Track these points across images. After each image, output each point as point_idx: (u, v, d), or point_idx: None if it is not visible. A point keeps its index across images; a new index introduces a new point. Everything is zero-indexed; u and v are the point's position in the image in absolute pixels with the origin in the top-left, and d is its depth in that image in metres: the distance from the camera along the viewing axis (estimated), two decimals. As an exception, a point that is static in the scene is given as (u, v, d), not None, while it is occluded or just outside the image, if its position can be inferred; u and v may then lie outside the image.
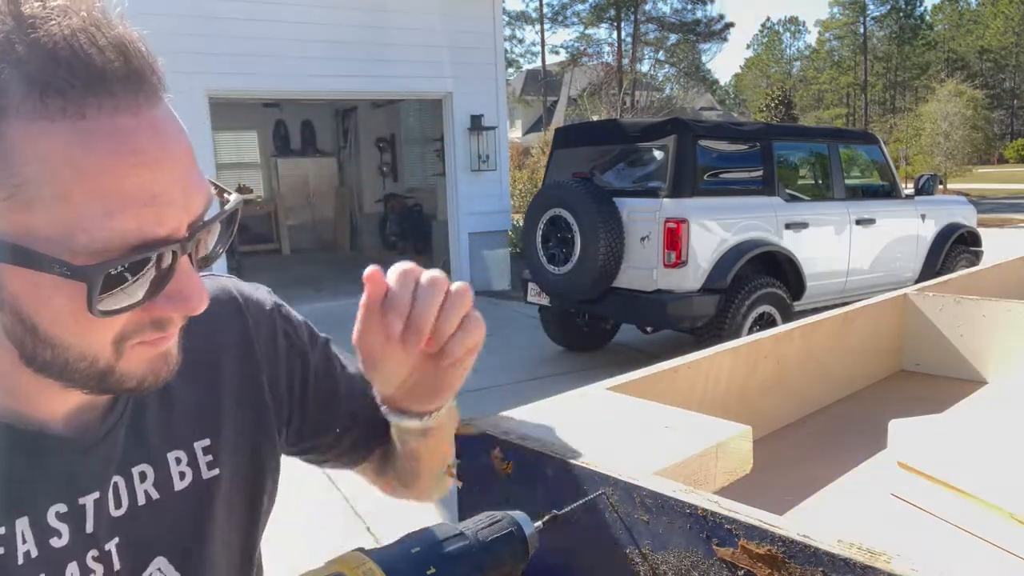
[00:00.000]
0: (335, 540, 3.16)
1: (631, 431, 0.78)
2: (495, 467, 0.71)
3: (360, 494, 3.54)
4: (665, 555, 0.57)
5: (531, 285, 5.86)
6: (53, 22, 0.46)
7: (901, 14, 58.03)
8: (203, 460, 0.69)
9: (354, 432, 0.82)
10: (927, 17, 61.75)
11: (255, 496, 0.74)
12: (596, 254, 5.15)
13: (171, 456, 0.67)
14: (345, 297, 8.95)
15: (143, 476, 0.65)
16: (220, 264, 7.65)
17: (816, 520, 0.99)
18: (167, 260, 0.51)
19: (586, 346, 6.29)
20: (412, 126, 12.74)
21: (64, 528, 0.59)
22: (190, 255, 0.53)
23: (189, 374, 0.68)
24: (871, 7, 58.33)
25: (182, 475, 0.67)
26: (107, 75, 0.47)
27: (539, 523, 0.56)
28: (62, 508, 0.59)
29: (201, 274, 0.63)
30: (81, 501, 0.60)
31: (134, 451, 0.64)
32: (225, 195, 0.58)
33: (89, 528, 0.60)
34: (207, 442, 0.69)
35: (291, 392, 0.78)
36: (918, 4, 58.75)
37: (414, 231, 12.09)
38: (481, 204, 9.04)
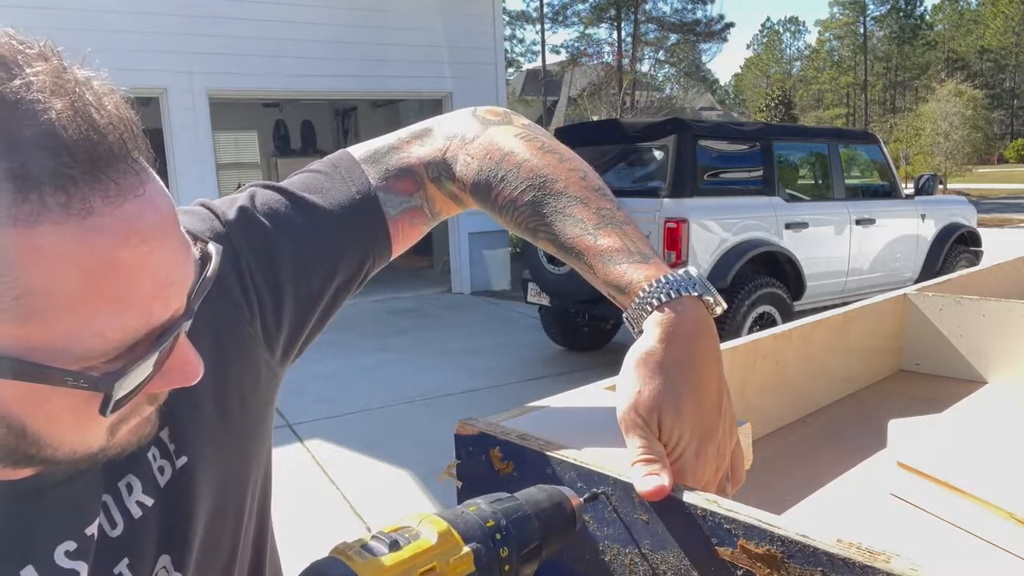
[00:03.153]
0: (335, 539, 3.16)
1: (631, 431, 0.78)
2: (495, 467, 0.71)
3: (361, 495, 3.54)
4: (665, 555, 0.57)
5: (531, 285, 5.86)
6: (40, 107, 0.40)
7: (901, 14, 58.05)
8: (171, 447, 0.63)
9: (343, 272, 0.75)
10: (927, 17, 61.79)
11: (242, 469, 0.69)
12: (596, 254, 5.14)
13: (148, 455, 0.61)
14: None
15: (130, 488, 0.60)
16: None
17: (815, 520, 0.99)
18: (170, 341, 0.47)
19: (586, 346, 6.29)
20: (412, 126, 12.75)
21: (80, 565, 0.55)
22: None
23: None
24: (871, 7, 58.38)
25: (161, 470, 0.62)
26: (110, 159, 0.42)
27: (583, 498, 0.58)
28: (71, 545, 0.55)
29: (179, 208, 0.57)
30: (88, 532, 0.56)
31: (112, 463, 0.57)
32: (200, 245, 0.52)
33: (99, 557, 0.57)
34: (167, 431, 0.63)
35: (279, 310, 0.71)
36: (918, 4, 58.77)
37: (414, 231, 12.09)
38: (481, 204, 9.03)
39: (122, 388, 0.46)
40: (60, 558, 0.54)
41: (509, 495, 0.54)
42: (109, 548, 0.58)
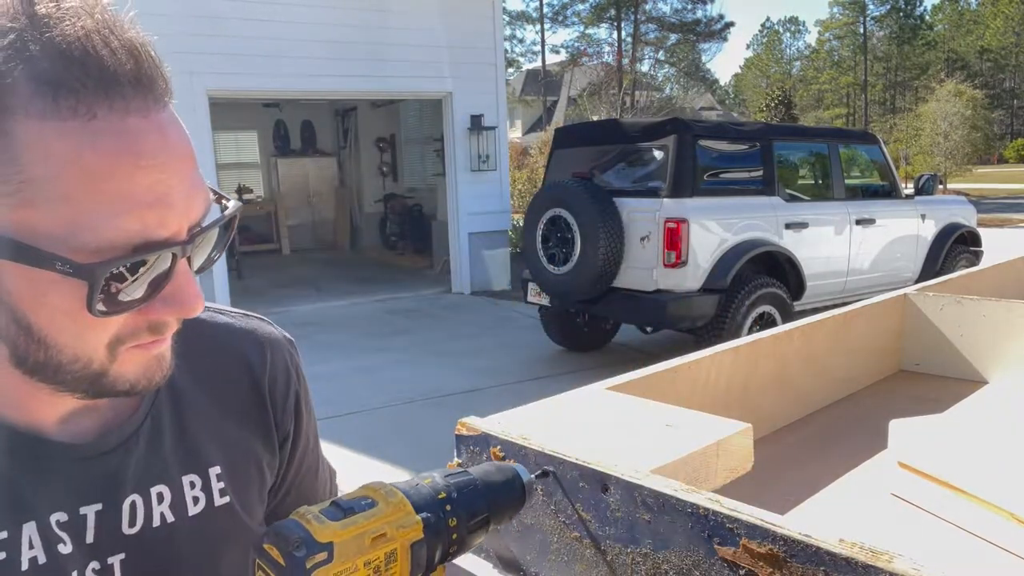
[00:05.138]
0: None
1: (632, 430, 0.78)
2: (496, 467, 0.71)
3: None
4: (667, 554, 0.57)
5: (531, 285, 5.86)
6: (67, 22, 0.46)
7: (901, 14, 58.05)
8: (216, 486, 0.68)
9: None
10: (927, 17, 61.77)
11: (251, 531, 0.72)
12: (596, 254, 5.15)
13: (186, 480, 0.66)
14: (345, 297, 8.95)
15: (160, 497, 0.64)
16: (221, 266, 7.66)
17: (817, 520, 0.99)
18: (167, 262, 0.50)
19: (586, 346, 6.29)
20: (412, 126, 12.74)
21: (66, 537, 0.58)
22: (188, 259, 0.53)
23: (206, 399, 0.69)
24: (871, 7, 58.37)
25: (195, 500, 0.66)
26: (119, 77, 0.47)
27: (534, 475, 0.60)
28: (63, 517, 0.58)
29: (238, 311, 0.66)
30: (82, 511, 0.59)
31: (152, 471, 0.63)
32: (224, 201, 0.58)
33: (89, 539, 0.59)
34: (218, 469, 0.68)
35: (283, 448, 0.77)
36: (918, 4, 58.77)
37: (414, 231, 12.09)
38: (481, 204, 9.04)
39: (112, 297, 0.49)
40: (54, 525, 0.58)
41: (463, 470, 0.56)
42: (112, 538, 0.61)
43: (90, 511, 0.60)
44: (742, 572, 0.53)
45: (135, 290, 0.50)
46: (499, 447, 0.70)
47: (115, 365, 0.54)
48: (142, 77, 0.48)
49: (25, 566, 0.56)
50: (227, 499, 0.68)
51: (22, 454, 0.57)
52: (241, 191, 13.09)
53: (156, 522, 0.63)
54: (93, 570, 0.59)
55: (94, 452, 0.60)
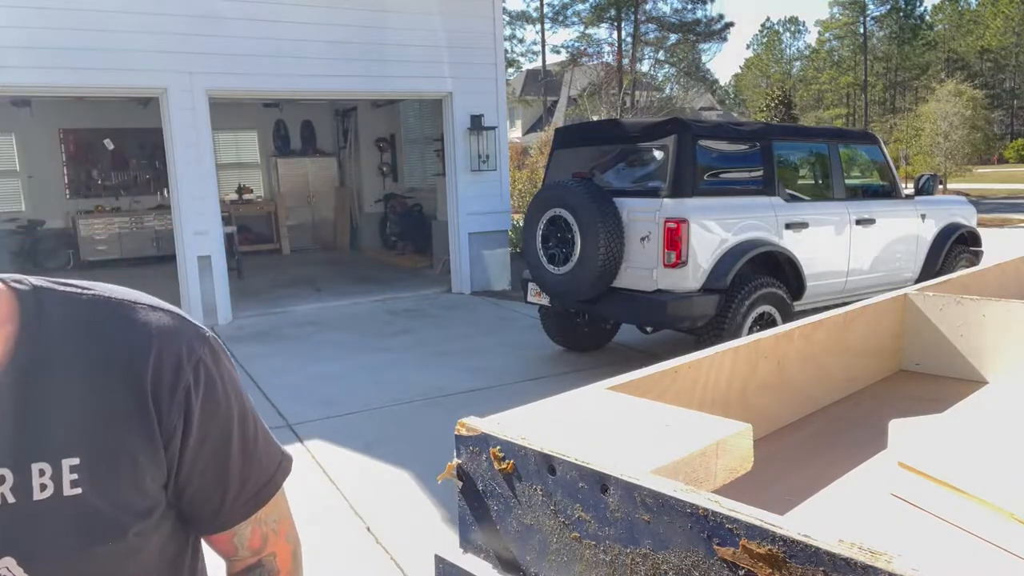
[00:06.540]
0: (335, 539, 3.16)
1: (631, 429, 0.78)
2: (495, 466, 0.71)
3: (360, 495, 3.54)
4: (666, 554, 0.57)
5: (531, 285, 5.86)
6: None
7: (901, 14, 58.01)
8: (67, 477, 0.68)
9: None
10: (927, 17, 61.73)
11: (123, 523, 0.72)
12: (596, 254, 5.15)
13: (35, 467, 0.66)
14: (345, 297, 8.95)
15: (2, 479, 0.65)
16: (221, 266, 7.66)
17: (816, 520, 0.99)
18: None
19: (586, 346, 6.29)
20: (412, 126, 12.74)
21: None
22: None
23: (68, 386, 0.68)
24: (871, 7, 58.32)
25: (43, 487, 0.67)
26: None
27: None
28: None
29: (149, 303, 0.69)
30: None
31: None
32: None
33: None
34: (75, 460, 0.68)
35: (171, 443, 0.76)
36: (918, 4, 58.73)
37: (414, 231, 12.09)
38: (481, 204, 9.04)
39: None
40: None
41: None
42: None
43: None
44: (741, 572, 0.53)
45: None
46: (499, 447, 0.70)
47: None
48: None
49: None
50: (78, 491, 0.68)
51: None
52: (241, 191, 13.10)
53: None
54: None
55: None
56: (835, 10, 61.50)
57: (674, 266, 5.03)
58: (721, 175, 5.60)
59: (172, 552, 0.79)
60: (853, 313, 1.46)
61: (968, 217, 7.06)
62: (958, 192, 20.82)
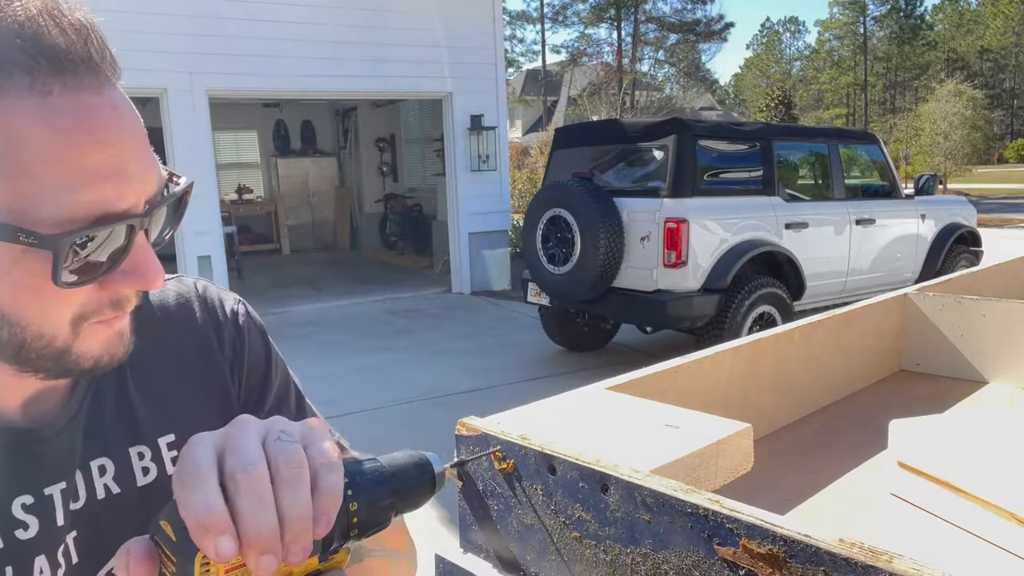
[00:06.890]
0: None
1: (631, 430, 0.78)
2: (495, 466, 0.71)
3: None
4: (667, 554, 0.57)
5: (531, 285, 5.86)
6: (17, 4, 0.47)
7: (901, 14, 58.03)
8: (167, 456, 0.67)
9: None
10: (927, 17, 61.74)
11: None
12: (596, 254, 5.15)
13: (133, 451, 0.66)
14: (345, 297, 8.96)
15: (103, 470, 0.64)
16: (221, 266, 7.66)
17: (817, 520, 0.99)
18: (125, 234, 0.51)
19: (586, 346, 6.29)
20: (412, 126, 12.75)
21: (33, 520, 0.58)
22: (146, 231, 0.54)
23: (151, 369, 0.68)
24: (871, 7, 58.35)
25: (145, 470, 0.66)
26: (70, 55, 0.48)
27: (447, 464, 0.61)
28: (28, 500, 0.58)
29: (171, 277, 0.66)
30: (47, 491, 0.59)
31: (91, 445, 0.63)
32: (175, 179, 0.59)
33: (60, 520, 0.60)
34: (171, 438, 0.68)
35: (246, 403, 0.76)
36: (918, 4, 58.75)
37: (414, 231, 12.10)
38: (481, 204, 9.04)
39: (75, 269, 0.50)
40: (17, 509, 0.58)
41: (371, 457, 0.56)
42: (68, 517, 0.61)
43: (55, 490, 0.60)
44: (742, 572, 0.53)
45: (96, 261, 0.51)
46: (499, 447, 0.70)
47: (78, 342, 0.54)
48: (92, 56, 0.50)
49: None
50: None
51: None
52: (241, 191, 13.10)
53: (101, 494, 0.63)
54: (62, 552, 0.60)
55: (54, 431, 0.60)
56: (835, 10, 61.54)
57: (674, 266, 5.03)
58: (721, 175, 5.60)
59: None
60: (853, 313, 1.46)
61: (968, 217, 7.06)
62: (958, 192, 20.82)
